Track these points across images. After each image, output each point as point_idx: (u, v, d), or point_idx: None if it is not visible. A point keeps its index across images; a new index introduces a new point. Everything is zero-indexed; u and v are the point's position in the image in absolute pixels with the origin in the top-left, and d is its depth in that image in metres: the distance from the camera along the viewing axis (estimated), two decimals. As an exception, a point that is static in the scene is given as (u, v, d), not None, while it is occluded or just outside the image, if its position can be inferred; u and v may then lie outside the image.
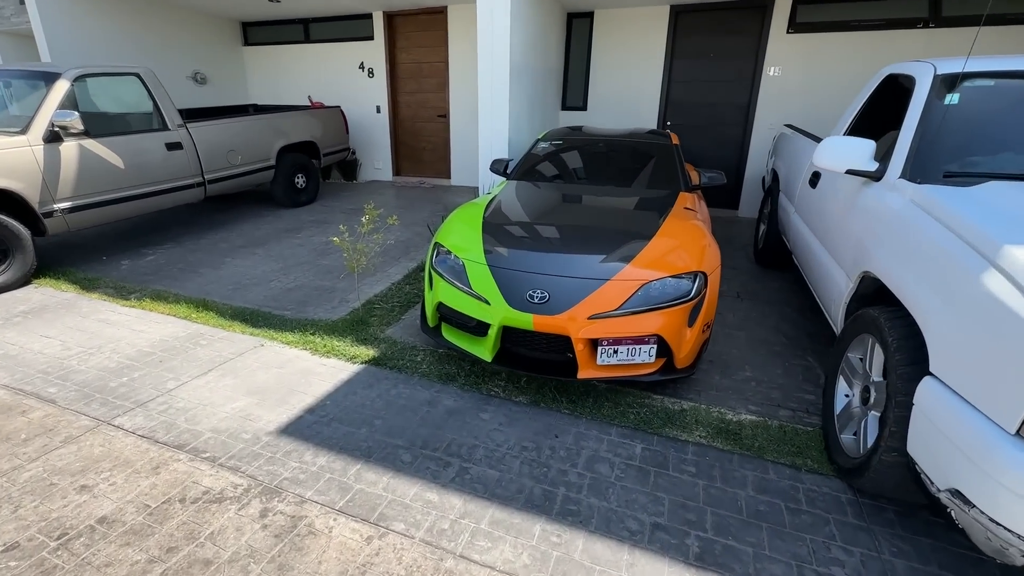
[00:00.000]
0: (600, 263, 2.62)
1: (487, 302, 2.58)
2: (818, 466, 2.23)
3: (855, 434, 2.22)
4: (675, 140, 4.20)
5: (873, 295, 2.32)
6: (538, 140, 4.41)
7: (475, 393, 2.71)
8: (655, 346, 2.45)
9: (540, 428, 2.44)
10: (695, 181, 3.82)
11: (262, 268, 4.49)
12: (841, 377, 2.36)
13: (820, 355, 3.15)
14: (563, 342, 2.50)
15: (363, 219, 3.37)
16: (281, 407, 2.54)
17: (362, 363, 2.95)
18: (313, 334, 3.26)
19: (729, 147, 6.50)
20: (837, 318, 2.54)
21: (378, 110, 8.06)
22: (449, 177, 8.08)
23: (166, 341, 3.17)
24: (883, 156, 2.48)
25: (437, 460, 2.20)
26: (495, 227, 3.05)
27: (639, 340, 2.43)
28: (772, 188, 4.58)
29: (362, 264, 3.38)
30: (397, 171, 8.41)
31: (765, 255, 4.60)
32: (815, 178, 3.26)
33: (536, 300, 2.48)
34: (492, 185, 5.28)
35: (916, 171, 2.23)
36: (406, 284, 4.13)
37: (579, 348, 2.46)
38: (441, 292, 2.81)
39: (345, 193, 7.49)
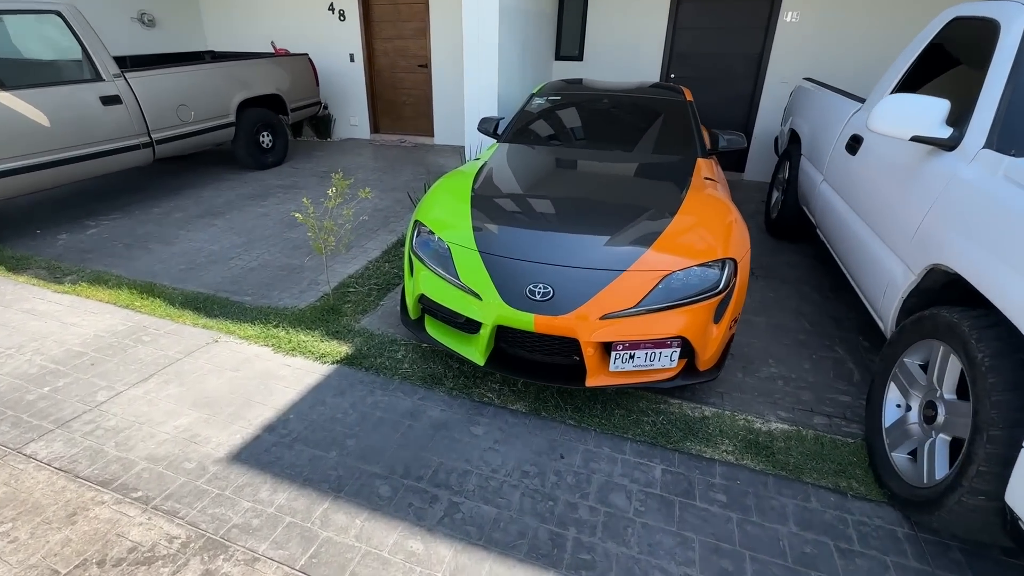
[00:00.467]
0: (613, 249, 2.20)
1: (478, 297, 2.16)
2: (865, 489, 1.92)
3: (911, 454, 1.91)
4: (689, 96, 3.70)
5: (940, 291, 1.95)
6: (533, 95, 3.87)
7: (465, 400, 2.33)
8: (678, 350, 2.08)
9: (542, 446, 2.08)
10: (711, 145, 3.36)
11: (221, 243, 3.98)
12: (893, 384, 2.03)
13: (849, 345, 2.83)
14: (569, 343, 2.11)
15: (330, 191, 2.87)
16: (235, 424, 2.13)
17: (333, 363, 2.54)
18: (276, 326, 2.82)
19: (738, 103, 5.97)
20: (887, 314, 2.18)
21: (352, 59, 7.28)
22: (432, 135, 7.43)
23: (102, 337, 2.70)
24: (955, 120, 2.06)
25: (421, 494, 1.84)
26: (486, 202, 2.59)
27: (659, 344, 2.05)
28: (790, 151, 4.13)
29: (331, 244, 2.91)
30: (375, 128, 7.72)
31: (779, 226, 4.21)
32: (854, 143, 2.83)
33: (538, 296, 2.07)
34: (481, 148, 4.74)
35: (1006, 140, 1.81)
36: (385, 262, 3.67)
37: (588, 353, 2.07)
38: (423, 282, 2.38)
39: (318, 153, 6.84)
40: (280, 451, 2.00)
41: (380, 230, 4.25)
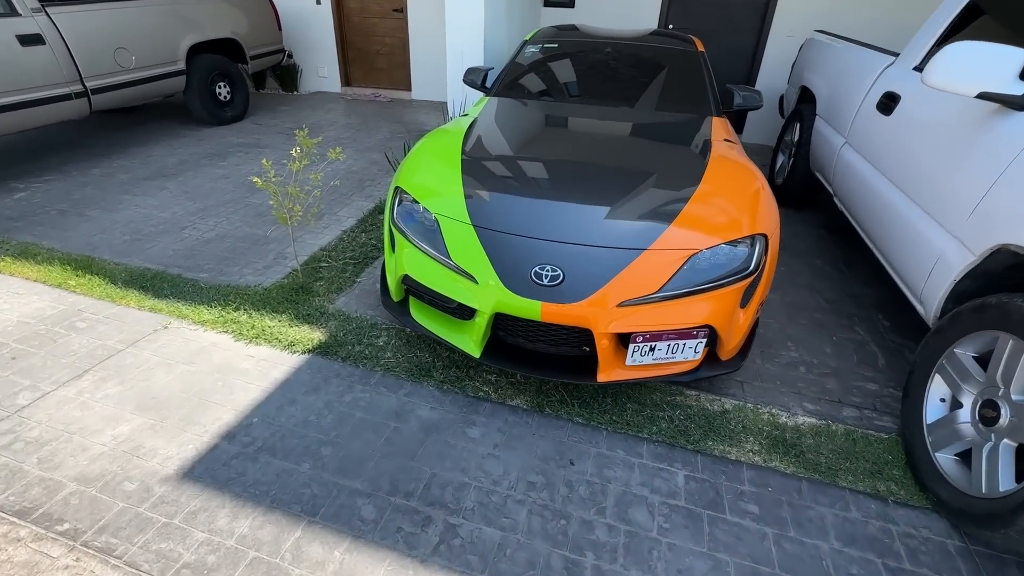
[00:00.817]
0: (631, 224, 1.89)
1: (474, 280, 1.84)
2: (907, 494, 1.74)
3: (958, 455, 1.72)
4: (700, 46, 3.32)
5: (1002, 274, 1.72)
6: (525, 43, 3.43)
7: (458, 395, 2.05)
8: (704, 340, 1.82)
9: (548, 450, 1.83)
10: (725, 102, 3.02)
11: (173, 210, 3.52)
12: (938, 376, 1.82)
13: (869, 325, 2.62)
14: (579, 333, 1.82)
15: (293, 151, 2.45)
16: (187, 431, 1.81)
17: (304, 353, 2.22)
18: (237, 308, 2.46)
19: (738, 58, 5.58)
20: (932, 298, 1.95)
21: (318, 1, 6.55)
22: (409, 89, 6.85)
23: (26, 324, 2.31)
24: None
25: (412, 515, 1.57)
26: (479, 166, 2.23)
27: (684, 334, 1.78)
28: (801, 111, 3.82)
29: (297, 214, 2.52)
30: (346, 80, 7.07)
31: (785, 193, 3.94)
32: (889, 101, 2.53)
33: (546, 281, 1.76)
34: (465, 103, 4.29)
35: (1099, 98, 1.54)
36: (361, 232, 3.29)
37: (602, 344, 1.79)
38: (407, 260, 2.04)
39: (284, 107, 6.22)
40: (242, 465, 1.70)
41: (354, 195, 3.83)
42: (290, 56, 6.77)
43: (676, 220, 1.89)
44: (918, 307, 2.07)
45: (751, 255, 1.88)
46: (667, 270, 1.78)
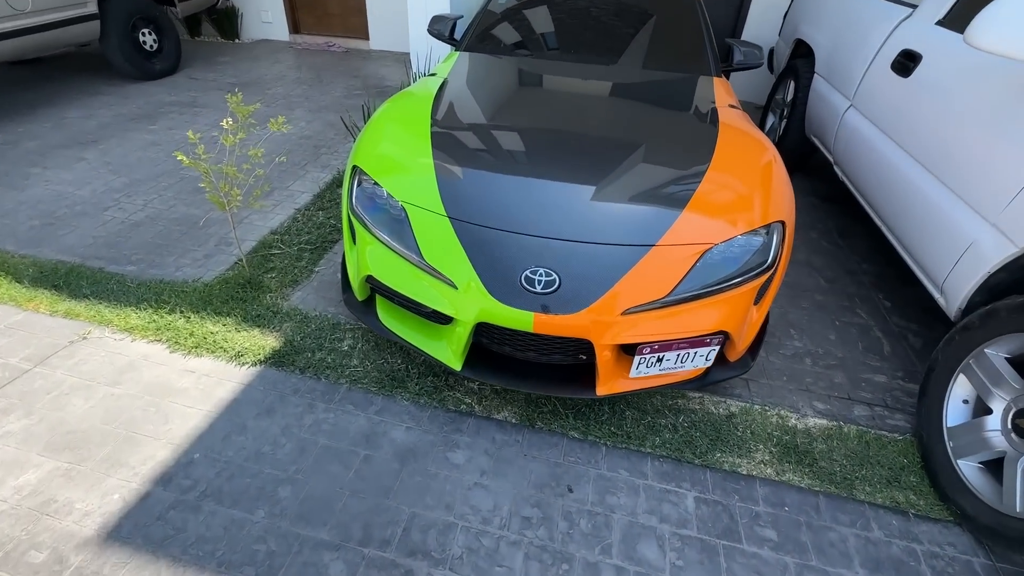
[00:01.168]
0: (636, 214, 1.62)
1: (452, 285, 1.55)
2: (926, 504, 1.62)
3: (981, 464, 1.60)
4: (696, -9, 2.95)
5: (1046, 268, 1.55)
6: (498, -13, 2.98)
7: (437, 409, 1.80)
8: (717, 348, 1.60)
9: (543, 474, 1.62)
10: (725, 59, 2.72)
11: (93, 186, 3.02)
12: (963, 376, 1.67)
13: (871, 307, 2.48)
14: (577, 342, 1.58)
15: (224, 123, 2.04)
16: (112, 475, 1.51)
17: (254, 364, 1.91)
18: (173, 310, 2.10)
19: (721, 5, 5.18)
20: (958, 289, 1.77)
21: (255, -69, 5.72)
22: (367, 37, 6.18)
23: (-95, 340, 1.90)
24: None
25: (390, 570, 1.34)
26: (454, 140, 1.89)
27: (696, 342, 1.56)
28: (796, 68, 3.54)
29: (235, 200, 2.13)
30: (294, 27, 6.33)
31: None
32: (908, 61, 2.28)
33: (539, 287, 1.48)
34: (431, 57, 3.82)
35: None
36: (318, 209, 2.91)
37: (604, 356, 1.56)
38: (371, 258, 1.72)
39: (224, 58, 5.52)
40: (181, 517, 1.42)
41: (309, 165, 3.40)
42: (227, -2, 5.96)
43: (688, 206, 1.63)
44: (938, 297, 1.91)
45: (768, 247, 1.65)
46: (678, 269, 1.53)
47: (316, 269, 2.45)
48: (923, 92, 2.13)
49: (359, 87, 4.87)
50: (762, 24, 5.01)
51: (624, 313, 1.49)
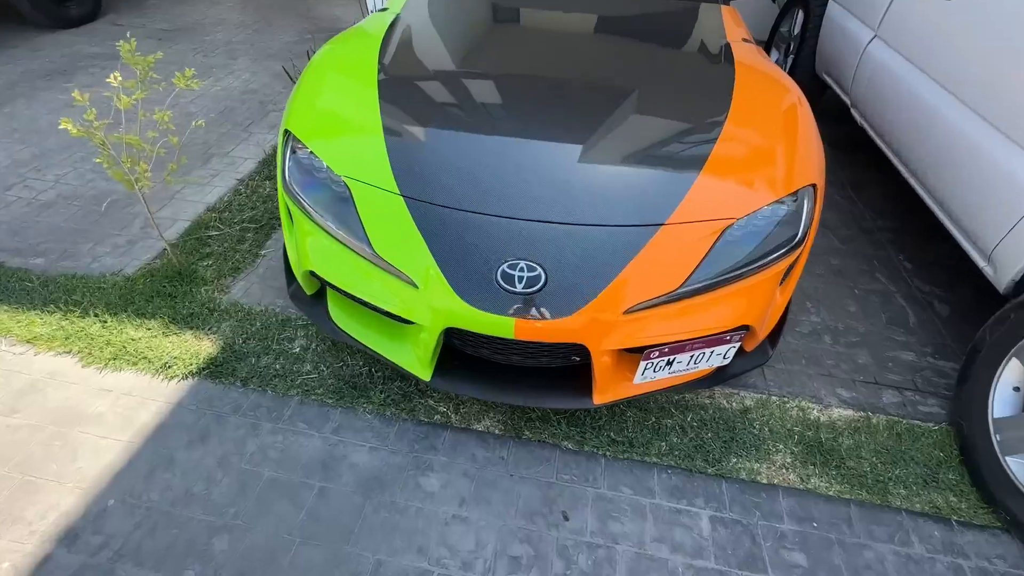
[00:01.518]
0: (640, 181, 1.29)
1: (412, 284, 1.23)
2: (968, 507, 1.42)
3: (1038, 462, 1.39)
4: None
5: None
6: None
7: (406, 422, 1.53)
8: (738, 344, 1.33)
9: (533, 499, 1.37)
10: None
11: (-6, 159, 2.57)
12: (1016, 361, 1.44)
13: (891, 270, 2.22)
14: (569, 346, 1.29)
15: (113, 78, 1.62)
16: (2, 536, 1.22)
17: (186, 377, 1.60)
18: (87, 313, 1.76)
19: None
20: (1011, 260, 1.51)
21: None
22: (319, -28, 5.45)
23: None
24: None
25: (351, 641, 1.11)
26: (407, 93, 1.52)
27: (714, 340, 1.28)
28: (805, -5, 3.11)
29: (144, 176, 1.73)
30: (235, -39, 5.54)
31: (781, 99, 3.34)
32: (952, -20, 1.91)
33: (520, 285, 1.17)
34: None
35: None
36: (265, 179, 2.51)
37: (602, 363, 1.28)
38: (312, 249, 1.39)
39: (153, 0, 4.82)
40: (90, 586, 1.15)
41: (254, 125, 2.95)
42: (150, -74, 5.15)
43: (703, 171, 1.30)
44: (984, 266, 1.64)
45: (798, 217, 1.35)
46: (693, 253, 1.23)
47: (262, 252, 2.10)
48: (973, 16, 1.78)
49: (310, 30, 4.29)
50: (763, -56, 4.46)
51: (628, 312, 1.20)
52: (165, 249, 2.03)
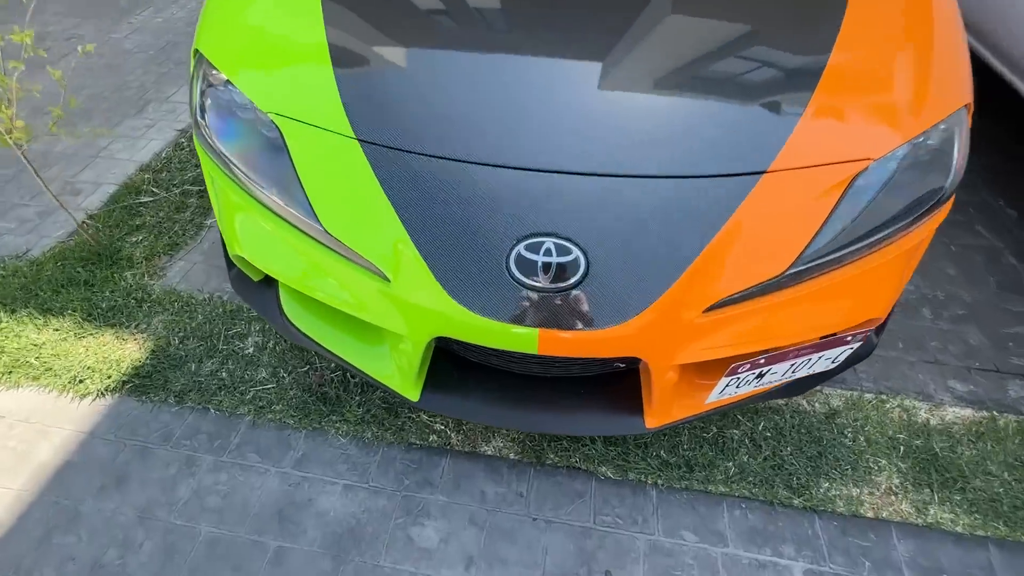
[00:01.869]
0: (717, 112, 0.84)
1: (381, 275, 0.82)
2: None
3: None
4: None
5: None
6: None
7: (393, 448, 1.16)
8: (858, 345, 0.92)
9: (566, 555, 1.02)
10: None
11: None
12: None
13: (994, 220, 1.79)
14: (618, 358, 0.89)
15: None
16: None
17: (102, 394, 1.22)
18: (-23, 311, 1.37)
19: None
20: None
21: None
22: None
23: None
24: None
25: None
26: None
27: (830, 343, 0.88)
28: None
29: (25, 136, 1.28)
30: None
31: None
32: None
33: (543, 277, 0.75)
34: None
35: None
36: (212, 128, 2.04)
37: (664, 379, 0.88)
38: (239, 225, 0.97)
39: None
40: None
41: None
42: None
43: (817, 90, 0.85)
44: None
45: (948, 156, 0.91)
46: (811, 215, 0.80)
47: (207, 222, 1.67)
48: None
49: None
50: None
51: (710, 309, 0.79)
52: (87, 218, 1.60)
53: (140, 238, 1.59)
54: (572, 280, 0.74)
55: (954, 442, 1.22)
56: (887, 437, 1.22)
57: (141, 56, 2.44)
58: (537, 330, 0.75)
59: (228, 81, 0.97)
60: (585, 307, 0.75)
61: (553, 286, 0.74)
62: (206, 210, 1.71)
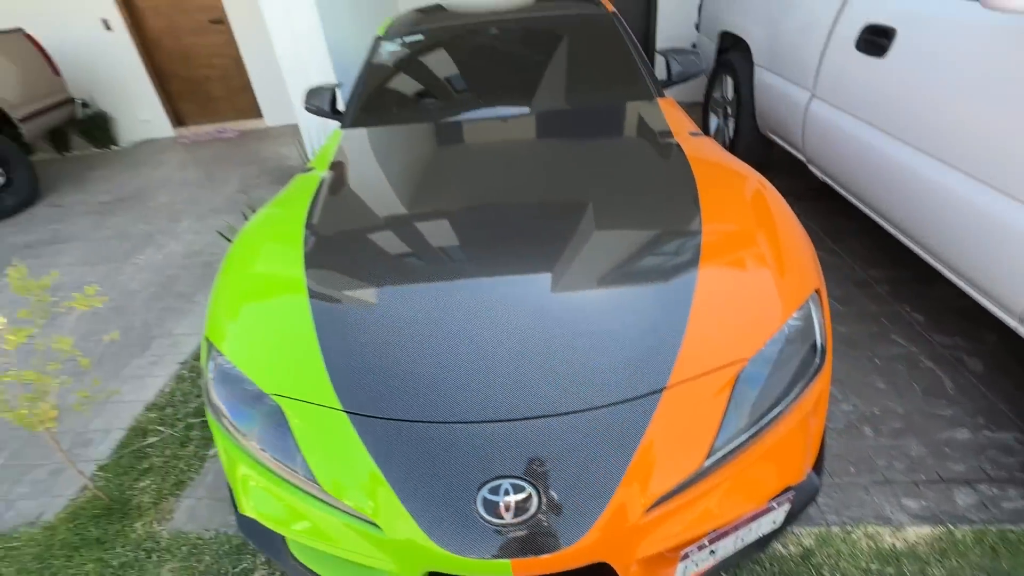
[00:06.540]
0: (616, 338, 1.08)
1: (373, 524, 0.97)
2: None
3: None
4: (609, 6, 2.53)
5: None
6: (380, 39, 2.48)
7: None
8: (789, 505, 1.08)
9: None
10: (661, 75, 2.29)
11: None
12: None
13: (905, 328, 2.05)
14: (587, 568, 1.02)
15: None
16: None
17: (115, 668, 1.25)
18: (-9, 593, 1.43)
19: (630, 8, 4.90)
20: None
21: (107, 26, 5.09)
22: (260, 115, 5.59)
23: None
24: None
25: None
26: (342, 286, 1.30)
27: (759, 513, 1.03)
28: (731, 62, 3.19)
29: (48, 416, 1.48)
30: (178, 120, 5.67)
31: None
32: (877, 38, 1.90)
33: (507, 514, 0.92)
34: (326, 127, 3.27)
35: None
36: (211, 355, 2.26)
37: (632, 572, 1.00)
38: (250, 489, 1.13)
39: (97, 171, 4.81)
40: None
41: (199, 294, 2.76)
42: (85, 105, 5.26)
43: (694, 303, 1.11)
44: (1016, 327, 1.46)
45: (810, 327, 1.16)
46: (709, 415, 1.00)
47: (209, 453, 1.81)
48: (916, 73, 1.73)
49: (256, 173, 4.27)
50: (678, 23, 4.72)
51: (651, 509, 0.95)
52: (97, 471, 1.73)
53: (148, 482, 1.71)
54: (531, 512, 0.91)
55: (923, 564, 1.31)
56: (861, 569, 1.31)
57: (144, 295, 2.76)
58: (509, 561, 0.89)
59: (235, 367, 1.19)
60: (544, 532, 0.90)
61: (515, 520, 0.90)
62: (207, 440, 1.85)
